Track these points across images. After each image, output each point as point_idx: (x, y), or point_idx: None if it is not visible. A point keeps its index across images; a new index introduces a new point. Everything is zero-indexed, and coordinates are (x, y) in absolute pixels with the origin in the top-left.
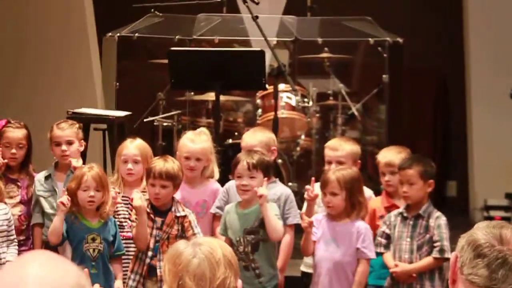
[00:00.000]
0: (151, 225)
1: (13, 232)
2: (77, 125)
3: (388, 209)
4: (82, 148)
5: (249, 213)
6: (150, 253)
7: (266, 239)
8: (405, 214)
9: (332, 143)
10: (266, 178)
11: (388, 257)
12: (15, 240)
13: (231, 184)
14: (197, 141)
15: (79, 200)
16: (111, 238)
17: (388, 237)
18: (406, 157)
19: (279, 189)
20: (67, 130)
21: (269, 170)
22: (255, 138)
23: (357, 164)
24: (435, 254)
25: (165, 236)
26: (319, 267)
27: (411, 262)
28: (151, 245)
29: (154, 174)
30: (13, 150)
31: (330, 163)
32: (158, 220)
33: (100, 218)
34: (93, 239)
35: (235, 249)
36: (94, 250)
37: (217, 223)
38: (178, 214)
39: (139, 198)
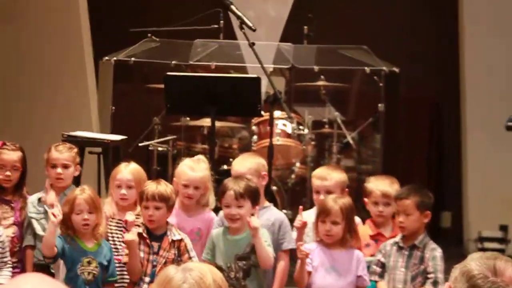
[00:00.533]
0: (147, 251)
1: (7, 254)
2: (75, 150)
3: (374, 237)
4: (77, 173)
5: (240, 240)
6: (147, 279)
7: (258, 265)
8: (401, 244)
9: (319, 172)
10: (254, 205)
11: (382, 287)
12: (9, 262)
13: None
14: (196, 169)
15: (73, 224)
16: (105, 263)
17: (383, 265)
18: (404, 187)
19: (273, 214)
20: (65, 154)
21: (256, 197)
22: (244, 165)
23: (345, 193)
24: (429, 286)
25: (162, 261)
26: None
27: None
28: (148, 271)
29: (147, 196)
30: (8, 172)
31: (318, 192)
32: (155, 245)
33: (94, 239)
34: (89, 263)
35: (226, 275)
36: (89, 273)
37: None
38: (174, 238)
39: (132, 232)
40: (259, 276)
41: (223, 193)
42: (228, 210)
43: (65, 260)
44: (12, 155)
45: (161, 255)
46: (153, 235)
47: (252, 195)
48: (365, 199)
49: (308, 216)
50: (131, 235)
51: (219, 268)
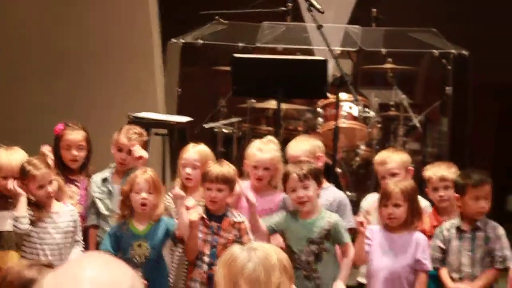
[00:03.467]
0: (205, 231)
1: (80, 233)
2: (145, 138)
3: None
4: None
5: (313, 223)
6: (207, 259)
7: (330, 250)
8: (462, 227)
9: (379, 157)
10: (319, 185)
11: (445, 274)
12: (81, 241)
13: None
14: (265, 150)
15: (132, 203)
16: (161, 239)
17: (443, 251)
18: (475, 173)
19: (332, 194)
20: (134, 141)
21: (319, 177)
22: (299, 148)
23: (409, 171)
24: (498, 265)
25: (223, 242)
26: (375, 277)
27: (473, 275)
28: (207, 251)
29: (211, 178)
30: (74, 152)
31: (384, 178)
32: (214, 225)
33: (150, 221)
34: (139, 246)
35: (297, 258)
36: (140, 256)
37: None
38: (235, 220)
39: (196, 212)
40: (330, 261)
41: (286, 178)
42: (295, 194)
43: (119, 248)
44: (76, 135)
45: (221, 235)
46: (212, 215)
47: (315, 175)
48: (426, 189)
49: (373, 198)
50: (195, 215)
51: (291, 250)
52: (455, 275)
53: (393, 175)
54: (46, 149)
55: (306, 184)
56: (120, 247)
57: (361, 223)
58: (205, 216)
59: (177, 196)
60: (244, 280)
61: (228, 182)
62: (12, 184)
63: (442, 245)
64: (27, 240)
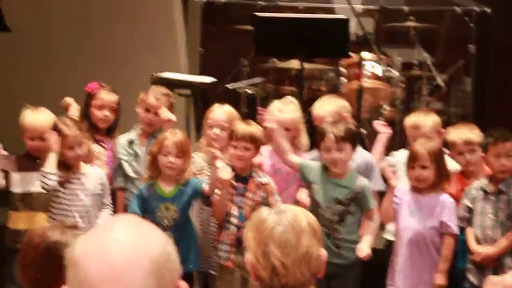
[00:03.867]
0: (232, 192)
1: (108, 196)
2: (172, 98)
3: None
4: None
5: (343, 184)
6: (235, 221)
7: (355, 213)
8: (487, 189)
9: (412, 121)
10: (354, 148)
11: (470, 234)
12: (110, 204)
13: (315, 154)
14: (285, 111)
15: (160, 165)
16: (188, 201)
17: (470, 211)
18: (496, 131)
19: (360, 156)
20: (162, 103)
21: (355, 139)
22: (324, 108)
23: (441, 134)
24: None
25: (249, 203)
26: (401, 237)
27: (494, 238)
28: (235, 212)
29: (237, 136)
30: (106, 112)
31: (415, 141)
32: (240, 186)
33: (177, 183)
34: (167, 208)
35: (322, 214)
36: (168, 219)
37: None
38: (260, 180)
39: (227, 171)
40: (352, 225)
41: (322, 136)
42: (329, 154)
43: (146, 209)
44: (111, 96)
45: (247, 196)
46: (238, 176)
47: (352, 138)
48: (450, 153)
49: (399, 155)
50: (226, 174)
51: (317, 204)
52: (479, 236)
53: (427, 138)
54: (70, 100)
55: (341, 146)
56: (147, 209)
57: (393, 172)
58: (232, 177)
59: (213, 156)
60: (274, 243)
61: (255, 141)
62: (50, 136)
63: (469, 205)
64: (55, 201)
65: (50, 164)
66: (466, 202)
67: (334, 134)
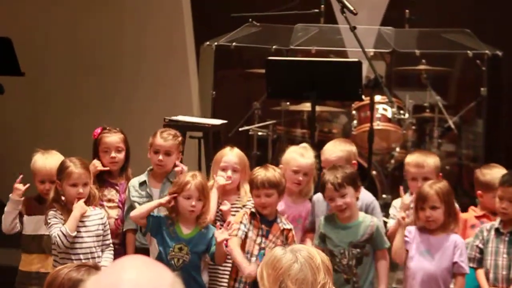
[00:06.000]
0: (256, 232)
1: (109, 236)
2: (180, 138)
3: (480, 218)
4: (178, 161)
5: (355, 227)
6: (253, 259)
7: (370, 253)
8: (501, 230)
9: (414, 159)
10: (357, 189)
11: (481, 275)
12: (111, 245)
13: (318, 197)
14: (306, 156)
15: (179, 207)
16: (203, 248)
17: (481, 252)
18: (507, 173)
19: (362, 197)
20: (169, 142)
21: (356, 181)
22: (335, 154)
23: (439, 177)
24: None
25: (272, 245)
26: (412, 278)
27: (508, 279)
28: (255, 252)
29: (257, 184)
30: (113, 154)
31: (414, 179)
32: (264, 228)
33: (198, 226)
34: (180, 249)
35: (338, 261)
36: (178, 260)
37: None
38: (284, 227)
39: (222, 178)
40: (369, 265)
41: (323, 187)
42: (334, 203)
43: (158, 241)
44: (114, 137)
45: (270, 239)
46: (264, 219)
47: (351, 181)
48: (480, 192)
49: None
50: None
51: (331, 254)
52: (491, 276)
53: (425, 179)
54: (96, 162)
55: (343, 192)
56: (162, 246)
57: (403, 218)
58: (257, 216)
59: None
60: (291, 280)
61: (276, 186)
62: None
63: (481, 245)
64: None
65: (73, 226)
66: (477, 242)
67: (332, 183)
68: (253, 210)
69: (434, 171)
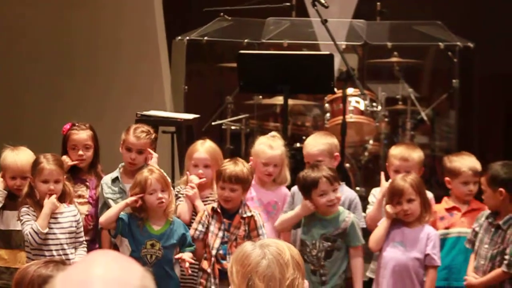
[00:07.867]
0: (218, 226)
1: (82, 234)
2: (153, 136)
3: (450, 211)
4: (150, 159)
5: (331, 220)
6: (214, 252)
7: (341, 248)
8: (490, 220)
9: (400, 152)
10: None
11: (471, 259)
12: (84, 242)
13: (296, 189)
14: (275, 147)
15: (148, 205)
16: (174, 242)
17: (476, 235)
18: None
19: (344, 193)
20: (142, 140)
21: (337, 176)
22: (317, 147)
23: (422, 171)
24: (504, 267)
25: (233, 238)
26: (384, 269)
27: (484, 270)
28: (216, 245)
29: (224, 177)
30: (80, 152)
31: (397, 172)
32: (226, 222)
33: (167, 218)
34: (152, 245)
35: (308, 251)
36: (151, 256)
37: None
38: (244, 215)
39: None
40: (340, 260)
41: (315, 184)
42: (326, 197)
43: (130, 240)
44: (82, 134)
45: (231, 232)
46: (226, 212)
47: (337, 177)
48: (448, 178)
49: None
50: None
51: (303, 243)
52: (475, 263)
53: (408, 172)
54: (65, 158)
55: (336, 186)
56: (130, 240)
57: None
58: (219, 211)
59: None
60: (258, 277)
61: (242, 182)
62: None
63: (477, 229)
64: None
65: (43, 223)
66: (475, 225)
67: (326, 177)
68: (214, 205)
69: (417, 166)
